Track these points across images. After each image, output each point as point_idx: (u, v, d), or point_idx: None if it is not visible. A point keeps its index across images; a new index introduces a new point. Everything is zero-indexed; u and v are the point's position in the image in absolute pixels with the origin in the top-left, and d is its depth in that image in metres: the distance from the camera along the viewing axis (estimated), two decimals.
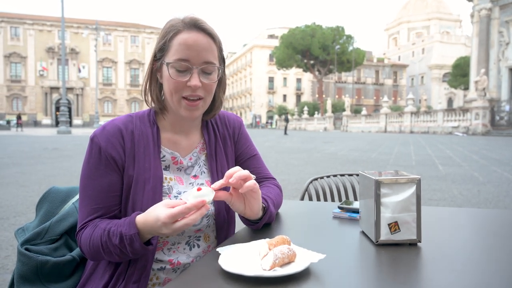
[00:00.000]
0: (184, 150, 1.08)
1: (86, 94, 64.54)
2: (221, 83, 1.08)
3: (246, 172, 0.91)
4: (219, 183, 0.90)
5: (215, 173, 1.09)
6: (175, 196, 1.01)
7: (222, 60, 1.04)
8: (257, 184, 0.93)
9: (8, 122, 47.58)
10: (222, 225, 1.08)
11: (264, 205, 1.02)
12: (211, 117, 1.12)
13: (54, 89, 61.68)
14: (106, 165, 0.97)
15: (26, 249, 1.01)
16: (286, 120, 33.20)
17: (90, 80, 64.30)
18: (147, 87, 1.05)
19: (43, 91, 61.76)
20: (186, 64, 0.96)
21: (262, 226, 1.04)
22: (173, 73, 0.96)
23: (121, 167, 0.99)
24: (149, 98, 1.05)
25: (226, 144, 1.15)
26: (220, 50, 1.02)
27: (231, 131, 1.18)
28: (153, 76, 1.04)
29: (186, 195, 0.87)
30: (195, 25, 0.97)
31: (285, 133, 30.73)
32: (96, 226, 0.93)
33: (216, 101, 1.10)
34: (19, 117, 38.21)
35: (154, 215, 0.85)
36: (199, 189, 0.87)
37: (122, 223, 0.91)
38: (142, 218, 0.88)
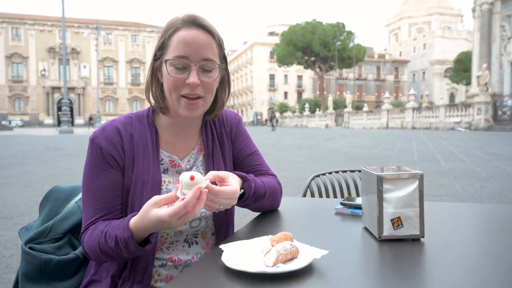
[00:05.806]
0: (182, 152, 1.07)
1: (88, 94, 64.56)
2: (223, 82, 1.06)
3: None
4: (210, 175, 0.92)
5: None
6: None
7: (223, 58, 1.02)
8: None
9: (10, 122, 48.16)
10: (221, 225, 1.08)
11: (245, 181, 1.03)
12: (212, 118, 1.10)
13: (55, 89, 61.70)
14: (108, 165, 0.97)
15: (30, 248, 1.01)
16: (273, 117, 35.24)
17: (91, 80, 64.30)
18: (149, 87, 1.03)
19: (45, 91, 61.82)
20: (185, 61, 0.94)
21: (266, 215, 1.04)
22: (171, 70, 0.95)
23: (122, 166, 0.99)
24: (151, 98, 1.04)
25: (223, 143, 1.13)
26: (220, 47, 1.00)
27: (228, 129, 1.15)
28: (154, 76, 1.02)
29: (179, 188, 0.84)
30: (194, 22, 0.96)
31: (272, 129, 32.04)
32: (95, 228, 0.92)
33: (217, 101, 1.07)
34: (91, 118, 47.11)
35: (153, 218, 0.82)
36: (192, 179, 0.84)
37: (118, 225, 0.89)
38: (138, 222, 0.86)
